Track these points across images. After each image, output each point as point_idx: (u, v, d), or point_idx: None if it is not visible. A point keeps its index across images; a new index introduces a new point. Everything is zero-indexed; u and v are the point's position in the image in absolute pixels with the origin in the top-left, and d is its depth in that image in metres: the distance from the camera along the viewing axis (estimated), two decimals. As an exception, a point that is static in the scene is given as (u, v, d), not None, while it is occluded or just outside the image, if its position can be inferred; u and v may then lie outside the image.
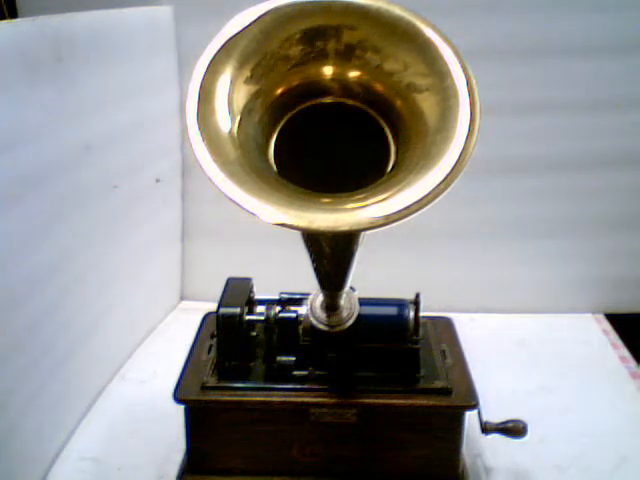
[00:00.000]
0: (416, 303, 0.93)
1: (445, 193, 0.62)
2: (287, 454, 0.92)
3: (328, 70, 0.72)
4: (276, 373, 0.92)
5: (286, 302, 0.96)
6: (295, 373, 0.91)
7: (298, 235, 0.73)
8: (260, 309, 0.97)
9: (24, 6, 1.34)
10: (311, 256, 0.78)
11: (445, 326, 1.06)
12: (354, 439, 0.91)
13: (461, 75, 0.66)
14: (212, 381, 0.91)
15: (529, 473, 0.99)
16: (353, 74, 0.72)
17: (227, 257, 1.37)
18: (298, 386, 0.90)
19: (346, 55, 0.71)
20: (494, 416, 0.94)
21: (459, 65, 0.67)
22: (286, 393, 0.90)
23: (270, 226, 0.61)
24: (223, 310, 0.92)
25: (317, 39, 0.70)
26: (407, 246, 1.35)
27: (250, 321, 0.94)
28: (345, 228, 0.60)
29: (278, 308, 0.93)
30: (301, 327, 0.92)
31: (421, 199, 0.61)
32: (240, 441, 0.91)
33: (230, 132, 0.66)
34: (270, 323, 0.93)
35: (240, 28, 0.68)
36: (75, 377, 1.07)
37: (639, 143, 1.33)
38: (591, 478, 0.98)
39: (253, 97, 0.69)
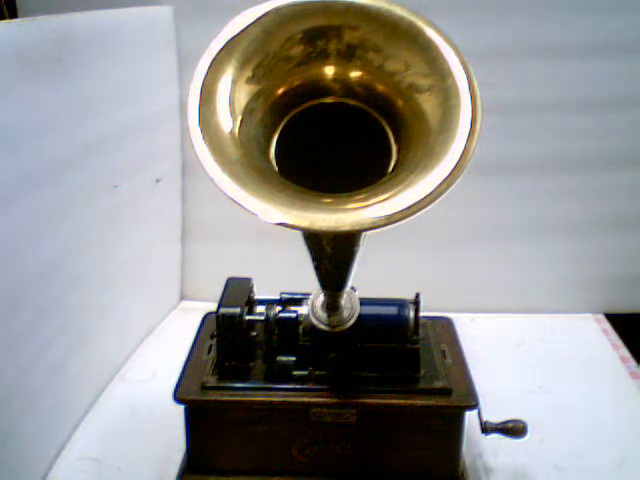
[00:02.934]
0: (416, 303, 0.93)
1: (446, 193, 0.62)
2: (287, 454, 0.92)
3: (329, 70, 0.72)
4: (276, 373, 0.92)
5: (286, 302, 0.96)
6: (295, 373, 0.92)
7: (299, 235, 0.73)
8: (260, 309, 0.97)
9: (24, 6, 1.34)
10: (312, 256, 0.78)
11: (445, 326, 1.06)
12: (354, 439, 0.91)
13: (462, 75, 0.66)
14: (212, 381, 0.91)
15: (529, 473, 0.99)
16: (354, 74, 0.72)
17: (227, 257, 1.37)
18: (298, 386, 0.90)
19: (347, 55, 0.71)
20: (494, 416, 0.94)
21: (460, 65, 0.67)
22: (286, 393, 0.90)
23: (270, 226, 0.61)
24: (223, 310, 0.92)
25: (318, 39, 0.70)
26: (407, 246, 1.35)
27: (250, 321, 0.94)
28: (346, 228, 0.60)
29: (278, 308, 0.93)
30: (301, 327, 0.92)
31: (422, 199, 0.61)
32: (240, 441, 0.91)
33: (231, 132, 0.66)
34: (270, 323, 0.92)
35: (241, 28, 0.68)
36: (75, 377, 1.07)
37: (639, 143, 1.33)
38: (591, 478, 0.98)
39: (254, 97, 0.69)
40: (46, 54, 0.94)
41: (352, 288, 0.93)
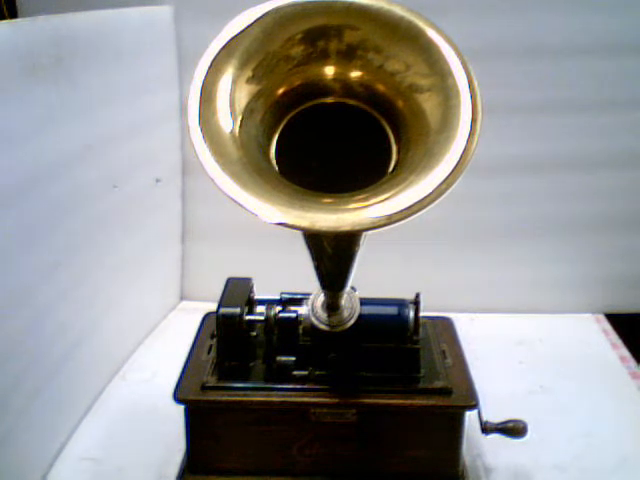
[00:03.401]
0: (416, 303, 0.93)
1: (447, 193, 0.62)
2: (287, 454, 0.92)
3: (330, 70, 0.72)
4: (276, 373, 0.92)
5: (286, 302, 0.96)
6: (295, 373, 0.91)
7: (299, 235, 0.73)
8: (260, 309, 0.97)
9: (24, 6, 1.34)
10: (312, 256, 0.78)
11: (445, 326, 1.06)
12: (354, 439, 0.91)
13: (463, 75, 0.66)
14: (212, 381, 0.91)
15: (529, 473, 0.99)
16: (355, 74, 0.72)
17: (227, 257, 1.36)
18: (298, 386, 0.90)
19: (348, 55, 0.71)
20: (494, 416, 0.94)
21: (460, 65, 0.67)
22: (286, 393, 0.90)
23: (270, 226, 0.61)
24: (223, 310, 0.92)
25: (319, 39, 0.70)
26: (407, 246, 1.35)
27: (250, 321, 0.94)
28: (347, 228, 0.60)
29: (278, 308, 0.93)
30: (301, 327, 0.92)
31: (423, 199, 0.61)
32: (240, 441, 0.91)
33: (232, 132, 0.66)
34: (270, 323, 0.92)
35: (242, 28, 0.68)
36: (75, 377, 1.07)
37: (639, 143, 1.33)
38: (591, 478, 0.98)
39: (255, 97, 0.69)
40: (46, 54, 0.94)
41: (352, 288, 0.93)
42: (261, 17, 0.69)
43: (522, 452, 1.00)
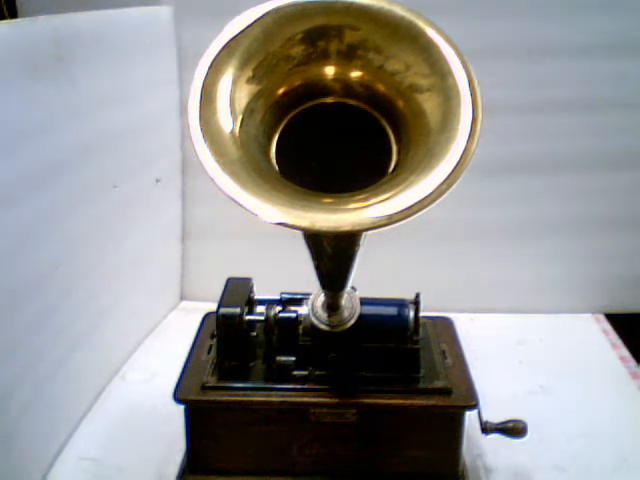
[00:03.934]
0: (416, 303, 0.93)
1: (447, 193, 0.62)
2: (287, 454, 0.92)
3: (330, 70, 0.72)
4: (276, 373, 0.92)
5: (286, 302, 0.96)
6: (295, 373, 0.91)
7: (299, 235, 0.73)
8: (260, 309, 0.97)
9: (24, 6, 1.34)
10: (312, 256, 0.78)
11: (445, 326, 1.06)
12: (354, 439, 0.91)
13: (463, 75, 0.66)
14: (212, 381, 0.91)
15: (529, 473, 0.99)
16: (355, 74, 0.72)
17: (227, 257, 1.37)
18: (298, 386, 0.90)
19: (348, 55, 0.71)
20: (494, 416, 0.94)
21: (461, 65, 0.67)
22: (286, 393, 0.90)
23: (270, 226, 0.61)
24: (223, 310, 0.92)
25: (319, 39, 0.70)
26: (407, 246, 1.35)
27: (250, 321, 0.94)
28: (347, 228, 0.60)
29: (278, 308, 0.93)
30: (301, 327, 0.92)
31: (423, 199, 0.61)
32: (240, 441, 0.91)
33: (232, 132, 0.66)
34: (270, 323, 0.92)
35: (242, 28, 0.68)
36: (75, 377, 1.07)
37: (639, 143, 1.33)
38: (591, 478, 0.98)
39: (255, 97, 0.69)
40: (46, 54, 0.94)
41: (352, 288, 0.93)
42: (261, 17, 0.69)
43: (522, 452, 1.00)
